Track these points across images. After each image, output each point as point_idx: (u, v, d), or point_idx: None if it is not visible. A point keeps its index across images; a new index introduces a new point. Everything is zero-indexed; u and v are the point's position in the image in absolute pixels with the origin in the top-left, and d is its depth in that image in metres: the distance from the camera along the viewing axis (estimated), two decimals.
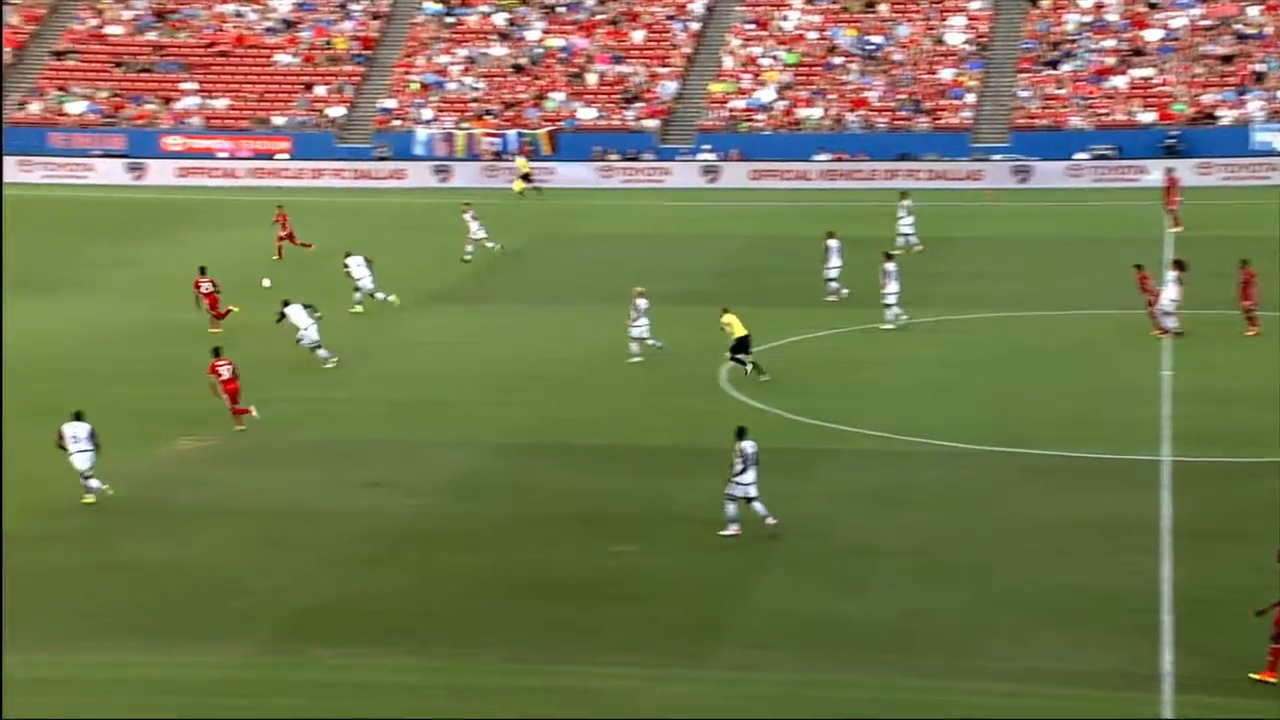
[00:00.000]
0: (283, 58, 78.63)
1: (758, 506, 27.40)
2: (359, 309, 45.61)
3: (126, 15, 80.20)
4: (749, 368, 37.89)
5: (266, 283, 45.59)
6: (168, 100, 76.52)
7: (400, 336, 43.48)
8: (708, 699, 22.12)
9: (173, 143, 74.74)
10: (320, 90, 77.31)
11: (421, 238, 59.74)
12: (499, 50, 78.67)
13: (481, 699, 22.12)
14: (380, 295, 45.89)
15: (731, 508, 27.51)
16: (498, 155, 73.69)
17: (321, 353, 39.64)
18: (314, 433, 34.80)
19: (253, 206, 66.00)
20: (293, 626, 24.30)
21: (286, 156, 74.04)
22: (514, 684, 22.53)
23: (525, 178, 69.69)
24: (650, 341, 39.77)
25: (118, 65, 78.10)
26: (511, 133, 74.31)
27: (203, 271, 44.32)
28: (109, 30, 79.76)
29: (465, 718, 21.51)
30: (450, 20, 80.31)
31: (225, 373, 34.76)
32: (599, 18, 79.78)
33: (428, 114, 75.82)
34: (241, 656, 23.26)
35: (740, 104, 75.32)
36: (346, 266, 46.12)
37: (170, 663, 22.95)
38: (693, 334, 40.75)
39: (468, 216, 53.94)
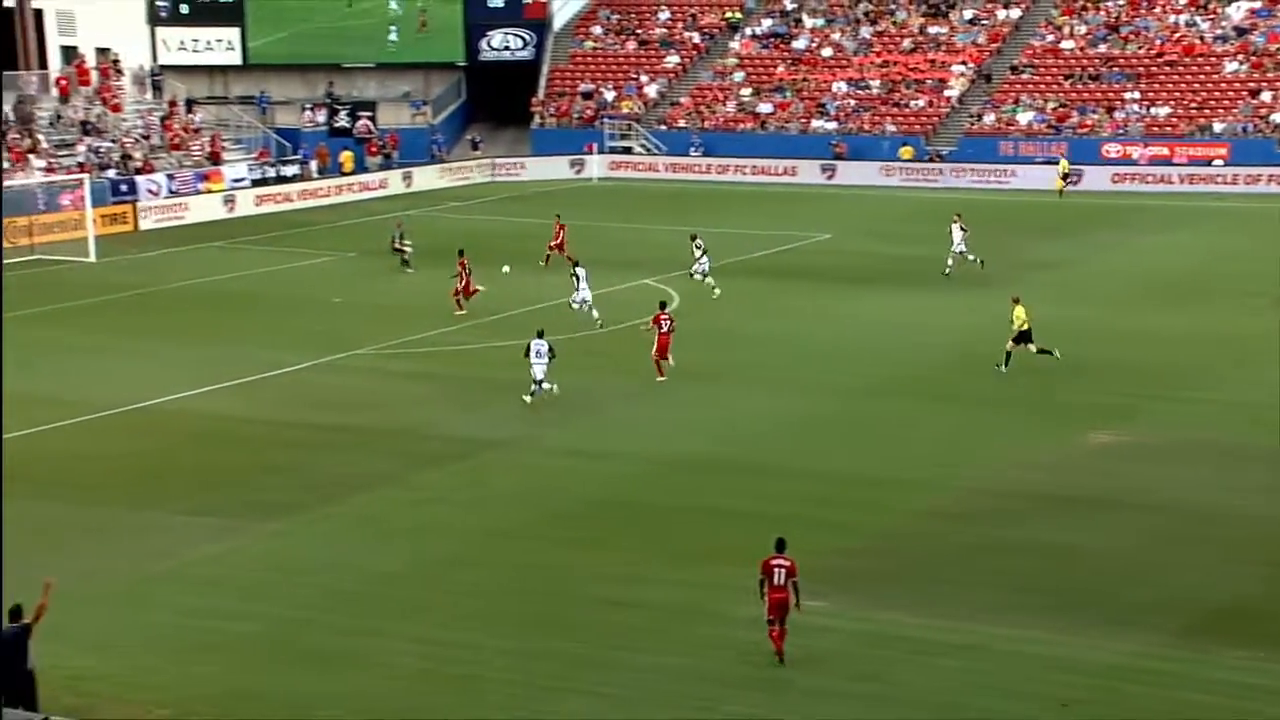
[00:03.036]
0: (1231, 65, 75.51)
1: None
2: (717, 292, 46.78)
3: (1080, 30, 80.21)
4: (1054, 352, 37.47)
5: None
6: (1110, 109, 75.72)
7: None
8: None
9: (1111, 150, 73.82)
10: (1265, 96, 73.50)
11: None
12: None
13: None
14: (710, 280, 47.11)
15: None
16: None
17: (595, 313, 42.37)
18: (1223, 435, 32.96)
19: (1186, 213, 64.06)
20: (1197, 622, 23.16)
21: (1222, 163, 71.05)
22: None
23: (1065, 177, 68.52)
24: None
25: (1067, 78, 78.28)
26: None
27: (461, 254, 45.52)
28: (1063, 45, 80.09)
29: None
30: None
31: (665, 326, 36.96)
32: None
33: None
34: (1143, 645, 22.40)
35: None
36: (696, 249, 47.60)
37: (1073, 643, 22.50)
38: None
39: (954, 227, 50.95)
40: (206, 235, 60.00)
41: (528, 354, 34.91)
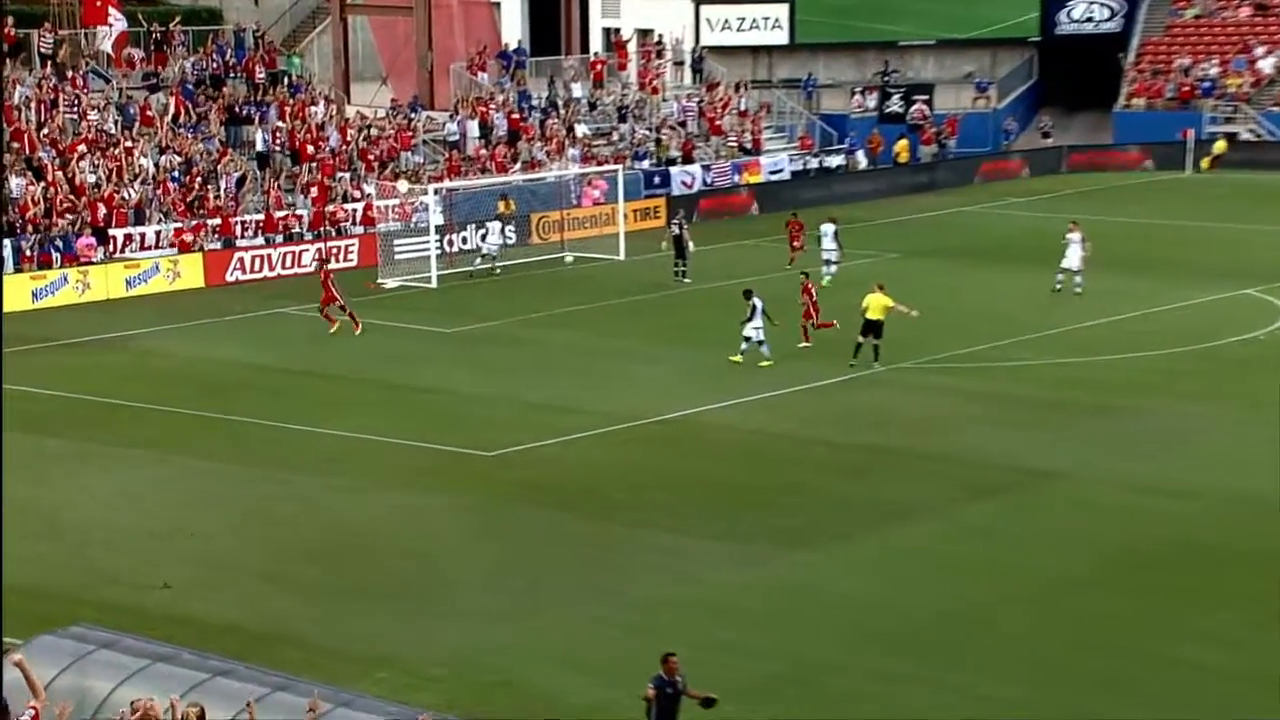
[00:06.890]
0: None
1: None
2: (1059, 288, 48.67)
3: None
4: (875, 351, 40.05)
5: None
6: None
7: None
8: None
9: None
10: None
11: None
12: None
13: None
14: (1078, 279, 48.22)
15: None
16: None
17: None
18: None
19: None
20: None
21: None
22: None
23: (1215, 159, 73.07)
24: None
25: None
26: None
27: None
28: None
29: None
30: None
31: (813, 293, 42.92)
32: None
33: None
34: None
35: None
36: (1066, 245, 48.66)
37: None
38: None
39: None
40: (735, 233, 61.57)
41: (750, 317, 40.47)
